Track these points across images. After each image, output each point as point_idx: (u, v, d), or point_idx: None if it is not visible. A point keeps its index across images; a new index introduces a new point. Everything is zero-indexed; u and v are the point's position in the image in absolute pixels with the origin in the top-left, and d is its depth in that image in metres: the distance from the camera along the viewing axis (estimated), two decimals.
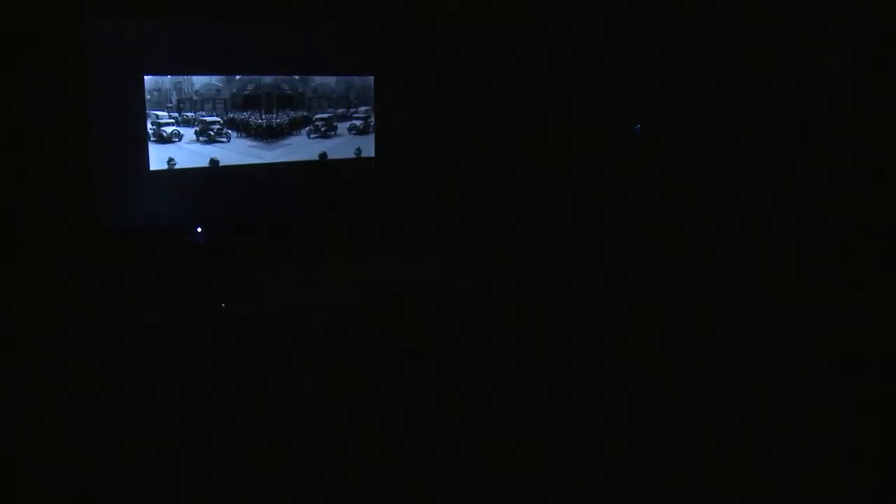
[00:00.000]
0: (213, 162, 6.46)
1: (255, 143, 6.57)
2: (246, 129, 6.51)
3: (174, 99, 6.25)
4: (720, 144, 6.30)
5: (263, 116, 6.57)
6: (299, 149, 6.76)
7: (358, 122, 6.96)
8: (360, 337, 4.66)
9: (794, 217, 5.75)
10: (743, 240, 5.87)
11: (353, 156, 6.99)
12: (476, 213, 6.94)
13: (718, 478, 3.20)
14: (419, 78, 7.07)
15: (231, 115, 6.45)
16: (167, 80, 6.23)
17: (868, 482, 3.19)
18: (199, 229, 6.26)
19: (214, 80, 6.45)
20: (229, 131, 6.45)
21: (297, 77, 6.66)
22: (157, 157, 6.21)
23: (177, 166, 6.30)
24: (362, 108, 6.93)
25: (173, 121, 6.18)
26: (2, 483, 3.14)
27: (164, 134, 6.17)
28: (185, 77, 6.30)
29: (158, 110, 6.20)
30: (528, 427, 3.65)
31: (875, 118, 5.53)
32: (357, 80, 6.94)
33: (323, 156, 6.85)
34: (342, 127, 6.91)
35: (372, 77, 7.00)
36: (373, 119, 7.04)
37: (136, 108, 6.06)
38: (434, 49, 6.99)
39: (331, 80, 6.82)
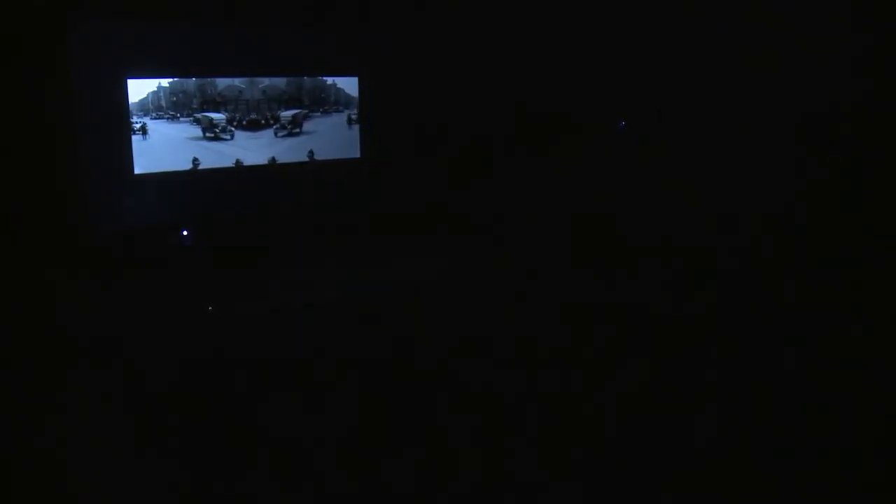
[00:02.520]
0: (238, 162, 6.40)
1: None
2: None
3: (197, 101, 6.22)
4: (717, 143, 6.12)
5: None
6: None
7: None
8: (356, 336, 4.53)
9: (794, 217, 5.57)
10: (739, 239, 5.69)
11: (307, 159, 6.70)
12: (469, 211, 6.72)
13: (718, 478, 3.10)
14: (405, 77, 6.84)
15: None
16: (191, 83, 6.18)
17: (868, 482, 3.07)
18: (185, 232, 6.03)
19: (237, 82, 6.38)
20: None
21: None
22: (184, 157, 6.19)
23: (201, 166, 6.24)
24: (289, 112, 6.63)
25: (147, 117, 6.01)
26: (2, 483, 3.08)
27: (135, 129, 5.96)
28: (209, 79, 6.26)
29: (213, 112, 6.23)
30: (527, 426, 3.56)
31: (875, 118, 5.36)
32: (307, 81, 6.66)
33: (272, 160, 6.56)
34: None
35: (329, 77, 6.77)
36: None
37: (120, 111, 5.84)
38: (420, 48, 6.79)
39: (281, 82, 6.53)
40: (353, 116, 6.86)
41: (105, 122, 5.79)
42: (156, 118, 6.07)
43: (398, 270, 5.96)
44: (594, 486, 3.08)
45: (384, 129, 6.93)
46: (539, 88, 6.91)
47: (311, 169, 6.71)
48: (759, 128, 5.95)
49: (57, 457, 3.27)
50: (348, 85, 6.84)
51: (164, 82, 6.11)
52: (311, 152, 6.73)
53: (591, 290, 5.27)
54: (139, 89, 5.98)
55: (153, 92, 6.11)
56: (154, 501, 3.05)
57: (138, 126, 5.98)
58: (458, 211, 6.73)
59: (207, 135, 6.24)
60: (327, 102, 6.80)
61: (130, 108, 5.93)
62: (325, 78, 6.71)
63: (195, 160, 6.22)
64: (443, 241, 6.50)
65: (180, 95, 6.21)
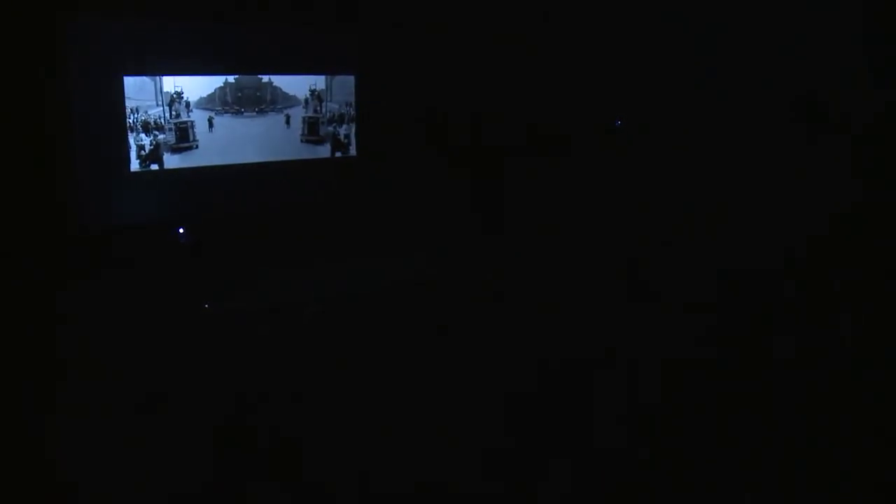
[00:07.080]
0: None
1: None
2: None
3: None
4: (714, 143, 5.96)
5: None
6: None
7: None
8: (350, 333, 4.37)
9: (793, 217, 5.43)
10: (738, 238, 5.47)
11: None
12: (464, 208, 6.50)
13: (718, 478, 3.07)
14: (400, 77, 6.59)
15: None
16: (254, 80, 6.23)
17: (867, 482, 3.07)
18: (181, 229, 5.76)
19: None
20: None
21: None
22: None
23: None
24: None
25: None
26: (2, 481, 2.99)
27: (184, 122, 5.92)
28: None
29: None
30: (527, 426, 3.47)
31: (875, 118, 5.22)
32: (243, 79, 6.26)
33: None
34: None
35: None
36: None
37: (115, 108, 5.59)
38: (415, 48, 6.56)
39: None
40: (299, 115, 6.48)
41: (102, 120, 5.56)
42: (222, 113, 6.18)
43: (393, 269, 5.79)
44: (593, 486, 3.02)
45: (381, 128, 6.69)
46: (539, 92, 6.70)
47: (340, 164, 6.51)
48: (754, 126, 5.78)
49: (50, 456, 3.14)
50: (286, 84, 6.40)
51: (231, 78, 6.21)
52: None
53: (585, 288, 5.06)
54: (207, 85, 6.02)
55: (220, 87, 6.20)
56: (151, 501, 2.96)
57: (206, 119, 6.07)
58: (457, 210, 6.50)
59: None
60: (263, 101, 6.34)
61: (198, 101, 6.02)
62: (261, 76, 6.26)
63: None
64: (433, 239, 6.26)
65: (246, 91, 6.29)
